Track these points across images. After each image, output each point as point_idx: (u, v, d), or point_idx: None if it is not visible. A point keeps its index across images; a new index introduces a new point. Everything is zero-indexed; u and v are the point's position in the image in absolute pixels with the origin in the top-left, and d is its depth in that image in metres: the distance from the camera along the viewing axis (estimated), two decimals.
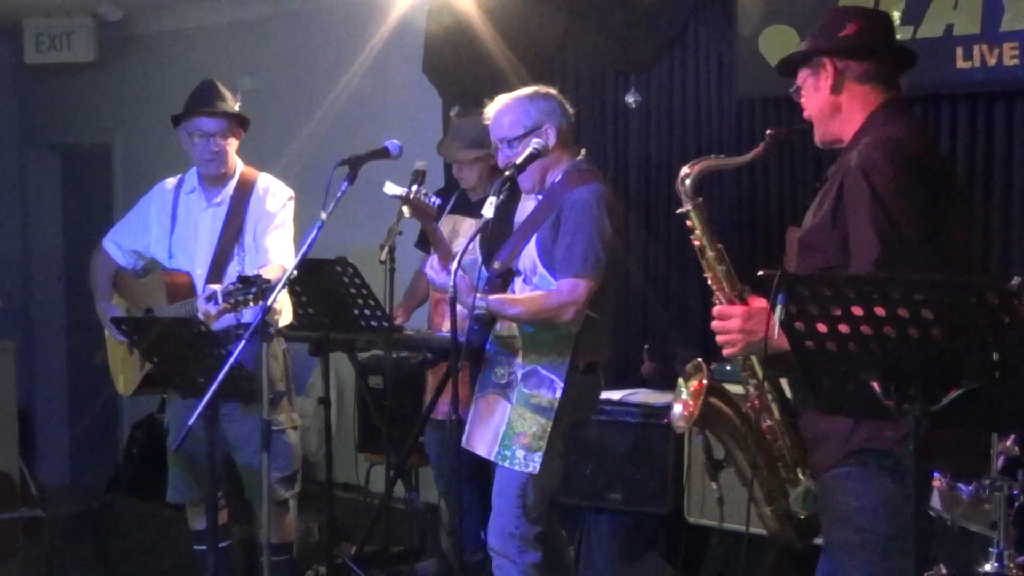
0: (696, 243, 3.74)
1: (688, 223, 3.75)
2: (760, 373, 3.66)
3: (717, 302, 3.65)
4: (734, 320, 3.49)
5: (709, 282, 3.70)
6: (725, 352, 3.52)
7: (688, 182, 3.75)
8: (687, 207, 3.74)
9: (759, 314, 3.41)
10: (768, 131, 3.72)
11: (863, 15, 3.63)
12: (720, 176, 6.07)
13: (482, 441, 4.74)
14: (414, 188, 4.75)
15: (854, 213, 3.31)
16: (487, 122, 4.78)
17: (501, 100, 4.76)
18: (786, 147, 5.73)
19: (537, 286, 4.64)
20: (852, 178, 3.32)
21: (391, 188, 4.72)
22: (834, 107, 3.55)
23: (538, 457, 4.62)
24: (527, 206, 4.84)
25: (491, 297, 4.59)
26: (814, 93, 3.58)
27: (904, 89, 5.32)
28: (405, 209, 5.55)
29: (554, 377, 4.61)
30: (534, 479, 4.65)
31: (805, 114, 3.64)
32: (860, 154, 3.34)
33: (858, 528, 3.41)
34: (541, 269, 4.63)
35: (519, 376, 4.67)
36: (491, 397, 4.76)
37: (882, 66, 3.55)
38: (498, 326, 4.75)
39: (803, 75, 3.61)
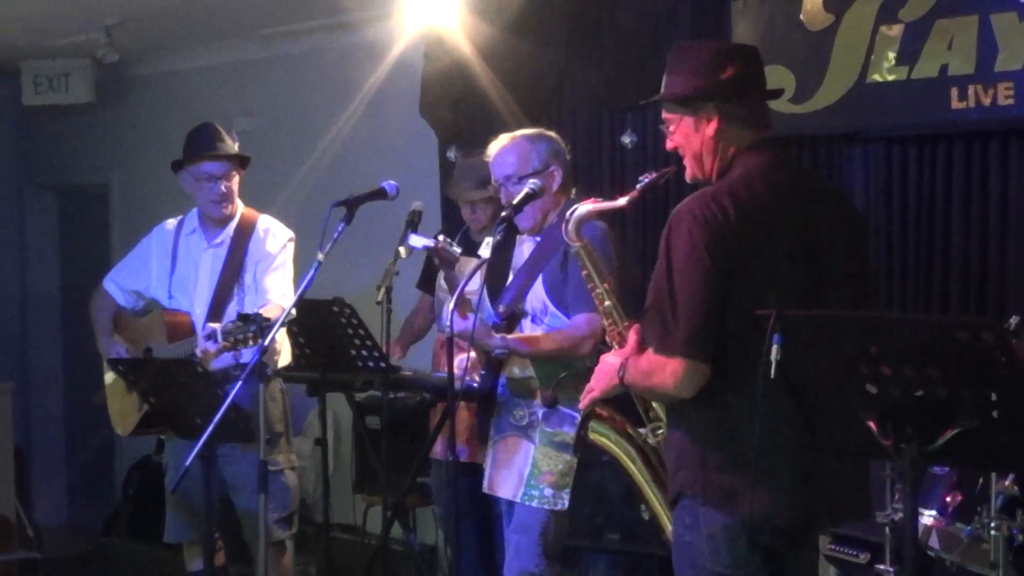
0: (587, 281, 3.93)
1: (579, 263, 3.95)
2: (661, 411, 3.74)
3: (607, 338, 3.85)
4: (596, 371, 3.66)
5: (601, 315, 3.89)
6: (587, 400, 3.70)
7: (570, 227, 3.90)
8: (575, 247, 3.93)
9: (606, 359, 3.63)
10: (642, 177, 3.76)
11: (739, 56, 3.58)
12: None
13: (506, 484, 4.73)
14: (441, 238, 4.76)
15: (658, 261, 3.39)
16: (488, 159, 4.80)
17: (505, 139, 4.78)
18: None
19: (549, 326, 4.65)
20: (665, 228, 3.39)
21: (417, 240, 4.73)
22: (712, 148, 3.51)
23: (566, 494, 4.65)
24: (524, 248, 4.84)
25: (510, 337, 4.61)
26: (693, 133, 3.53)
27: (900, 128, 5.36)
28: (402, 250, 5.57)
29: (576, 414, 4.61)
30: (557, 516, 4.67)
31: (671, 145, 3.61)
32: (677, 207, 3.40)
33: (692, 563, 3.45)
34: (553, 309, 4.63)
35: (540, 416, 4.67)
36: (511, 440, 4.75)
37: (757, 108, 3.55)
38: (515, 370, 4.74)
39: (677, 114, 3.56)
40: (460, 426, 5.46)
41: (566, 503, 4.65)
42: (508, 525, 4.89)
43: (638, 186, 3.74)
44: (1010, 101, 5.15)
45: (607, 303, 3.84)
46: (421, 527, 6.90)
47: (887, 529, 4.80)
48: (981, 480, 4.57)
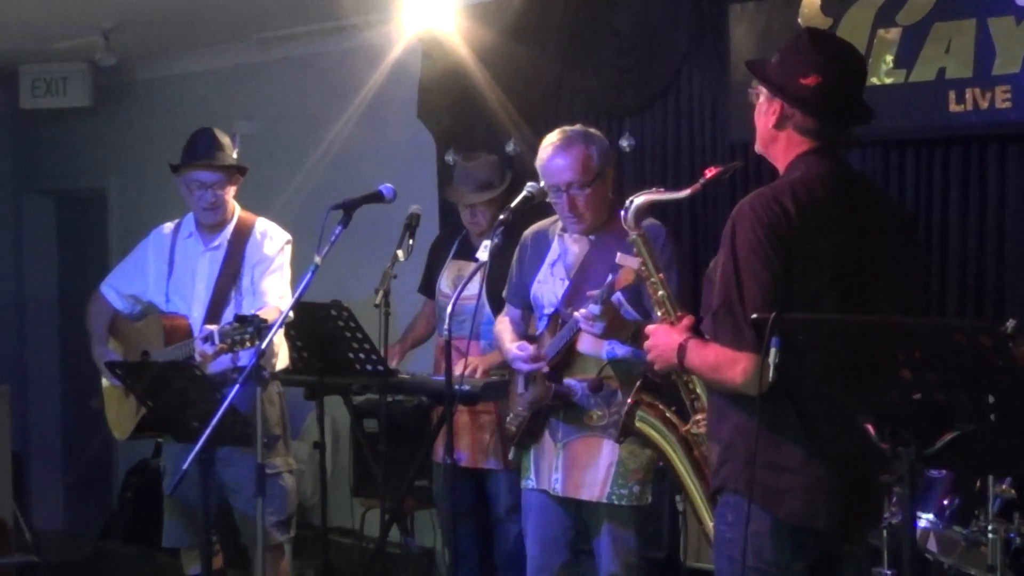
0: (642, 270, 3.94)
1: (634, 251, 3.95)
2: (702, 393, 3.80)
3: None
4: (650, 339, 3.70)
5: (653, 304, 3.90)
6: (655, 367, 3.73)
7: (631, 214, 3.90)
8: (632, 235, 3.93)
9: (662, 331, 3.68)
10: (706, 171, 3.78)
11: (829, 70, 3.49)
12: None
13: (588, 485, 4.71)
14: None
15: (720, 259, 3.42)
16: (541, 162, 4.74)
17: (558, 142, 4.72)
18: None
19: None
20: (727, 226, 3.42)
21: (624, 259, 4.66)
22: (772, 138, 3.57)
23: (649, 488, 4.71)
24: (576, 246, 4.79)
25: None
26: (761, 115, 3.60)
27: (897, 132, 5.35)
28: (399, 253, 5.57)
29: None
30: (644, 512, 4.73)
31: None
32: (739, 205, 3.43)
33: (731, 559, 3.47)
34: (627, 307, 4.61)
35: (623, 413, 4.67)
36: (588, 441, 4.72)
37: (824, 124, 3.52)
38: (595, 371, 4.70)
39: (762, 88, 3.61)
40: (459, 430, 5.47)
41: (650, 498, 4.72)
42: (533, 526, 4.90)
43: (701, 180, 3.76)
44: (1007, 105, 5.15)
45: (660, 292, 3.84)
46: (419, 531, 6.90)
47: (885, 532, 4.80)
48: (979, 483, 4.58)
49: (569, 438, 4.75)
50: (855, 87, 3.59)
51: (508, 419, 4.94)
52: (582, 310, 4.44)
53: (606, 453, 4.68)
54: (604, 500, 4.68)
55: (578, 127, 4.81)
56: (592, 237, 4.75)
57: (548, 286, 4.82)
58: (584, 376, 4.70)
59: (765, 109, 3.58)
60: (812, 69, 3.48)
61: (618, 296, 4.52)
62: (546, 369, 4.70)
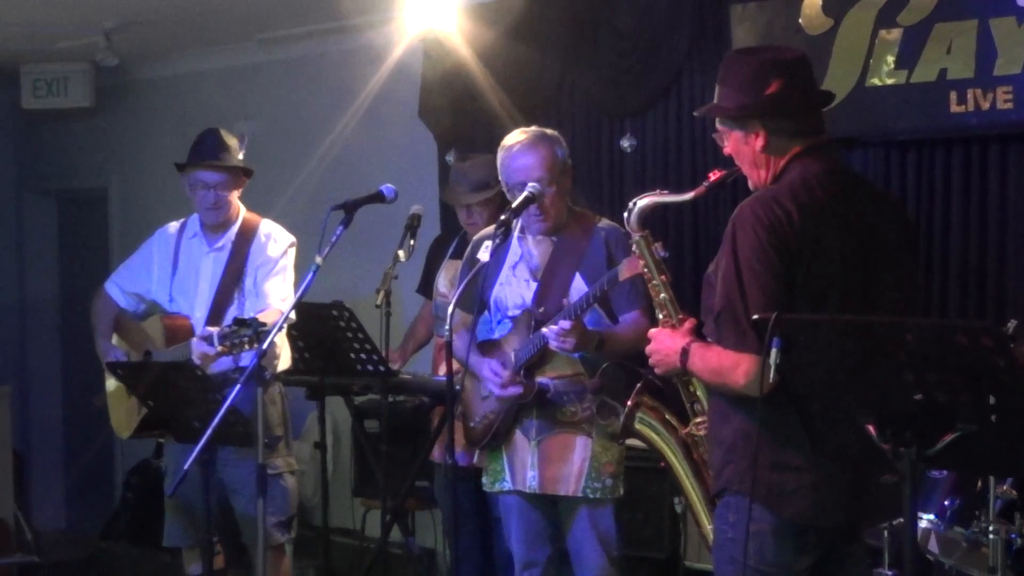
0: (644, 272, 3.93)
1: (635, 251, 3.94)
2: (702, 396, 3.79)
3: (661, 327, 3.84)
4: (651, 344, 3.69)
5: (655, 306, 3.89)
6: (657, 371, 3.73)
7: (633, 215, 3.89)
8: (635, 237, 3.92)
9: (664, 336, 3.68)
10: (710, 174, 3.77)
11: (784, 70, 3.53)
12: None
13: (563, 480, 4.74)
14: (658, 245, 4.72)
15: (721, 262, 3.41)
16: (503, 161, 4.76)
17: (522, 140, 4.73)
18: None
19: (587, 323, 4.66)
20: (728, 229, 3.41)
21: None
22: (763, 160, 3.54)
23: (621, 481, 4.75)
24: (540, 247, 4.80)
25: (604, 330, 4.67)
26: (743, 146, 3.56)
27: (899, 133, 5.35)
28: (400, 253, 5.57)
29: (616, 404, 4.63)
30: (618, 504, 4.76)
31: (727, 151, 3.64)
32: (739, 207, 3.42)
33: (732, 558, 3.47)
34: (595, 306, 4.64)
35: (595, 409, 4.70)
36: (561, 437, 4.75)
37: (806, 117, 3.54)
38: (567, 369, 4.73)
39: (727, 127, 3.59)
40: (459, 430, 5.47)
41: (622, 491, 4.76)
42: (515, 526, 4.90)
43: (705, 183, 3.75)
44: (1009, 105, 5.16)
45: (663, 295, 3.84)
46: (420, 531, 6.90)
47: (886, 533, 4.80)
48: (980, 484, 4.58)
49: (543, 435, 4.78)
50: (809, 71, 3.61)
51: (473, 422, 4.94)
52: (552, 326, 4.50)
53: (579, 448, 4.72)
54: (579, 494, 4.71)
55: (534, 128, 4.82)
56: (554, 238, 4.77)
57: (512, 288, 4.83)
58: (556, 373, 4.73)
59: (743, 139, 3.55)
60: (769, 76, 3.50)
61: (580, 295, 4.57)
62: (520, 390, 4.73)
